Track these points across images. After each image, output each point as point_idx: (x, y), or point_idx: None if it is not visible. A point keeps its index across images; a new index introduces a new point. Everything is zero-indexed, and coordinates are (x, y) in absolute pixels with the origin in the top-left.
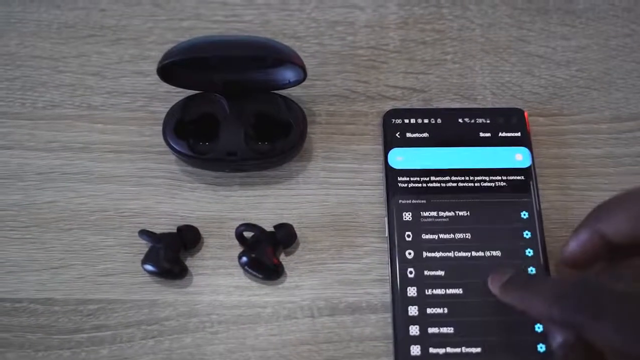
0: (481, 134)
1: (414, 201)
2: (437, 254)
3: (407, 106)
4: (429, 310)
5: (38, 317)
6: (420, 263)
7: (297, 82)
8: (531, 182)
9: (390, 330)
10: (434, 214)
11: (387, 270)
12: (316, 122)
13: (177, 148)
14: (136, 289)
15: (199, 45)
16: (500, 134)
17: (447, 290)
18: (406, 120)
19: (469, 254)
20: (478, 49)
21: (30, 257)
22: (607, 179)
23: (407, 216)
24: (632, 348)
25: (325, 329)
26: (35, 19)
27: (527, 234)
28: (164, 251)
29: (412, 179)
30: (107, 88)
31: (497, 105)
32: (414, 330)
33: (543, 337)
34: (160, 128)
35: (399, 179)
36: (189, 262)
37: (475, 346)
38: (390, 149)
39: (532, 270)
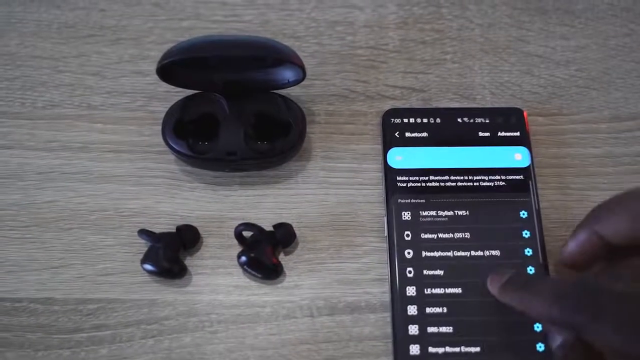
0: (480, 134)
1: (413, 200)
2: (436, 254)
3: (407, 106)
4: (428, 310)
5: (38, 317)
6: (419, 262)
7: (297, 82)
8: (530, 182)
9: (389, 330)
10: (433, 213)
11: (387, 270)
12: (315, 122)
13: (176, 148)
14: (136, 288)
15: (198, 45)
16: (499, 134)
17: (446, 289)
18: (405, 120)
19: (468, 253)
20: (477, 48)
21: (30, 256)
22: (606, 179)
23: (407, 215)
24: (631, 348)
25: (325, 329)
26: (36, 19)
27: (526, 234)
28: (164, 251)
29: (411, 178)
30: (107, 88)
31: (497, 105)
32: (413, 329)
33: (542, 337)
34: (160, 128)
35: (398, 178)
36: (189, 262)
37: (475, 345)
38: (390, 149)
39: (531, 269)
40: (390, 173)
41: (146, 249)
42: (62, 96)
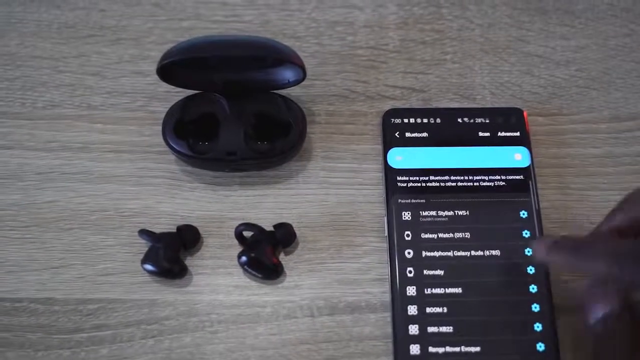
0: (480, 134)
1: (413, 200)
2: (437, 254)
3: (407, 106)
4: (428, 310)
5: (38, 317)
6: (419, 262)
7: (297, 82)
8: (530, 182)
9: (389, 330)
10: (433, 213)
11: (387, 270)
12: (316, 122)
13: (176, 148)
14: (136, 288)
15: (198, 45)
16: (499, 134)
17: (446, 289)
18: (405, 120)
19: (468, 253)
20: (477, 48)
21: (30, 256)
22: (606, 179)
23: (407, 215)
24: None
25: (325, 329)
26: (36, 19)
27: (526, 233)
28: (164, 251)
29: (411, 178)
30: (107, 88)
31: (497, 105)
32: (414, 329)
33: (542, 336)
34: (160, 128)
35: (399, 178)
36: (189, 262)
37: (475, 345)
38: (390, 149)
39: (531, 269)
40: (390, 173)
41: (146, 249)
42: (62, 96)
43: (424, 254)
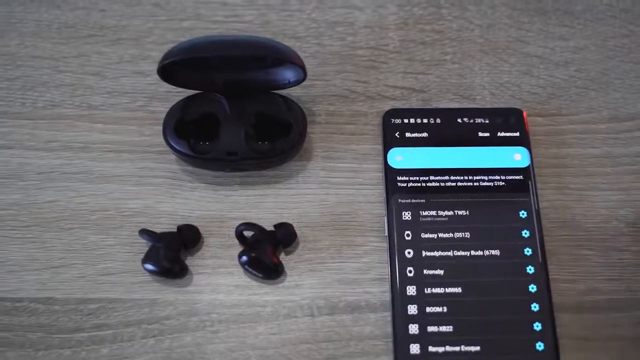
0: (480, 134)
1: (413, 200)
2: (437, 253)
3: (407, 106)
4: (428, 309)
5: (38, 317)
6: (419, 262)
7: (297, 82)
8: (530, 182)
9: (389, 329)
10: (433, 213)
11: (387, 270)
12: (316, 122)
13: (177, 148)
14: (136, 288)
15: (199, 45)
16: (499, 134)
17: (446, 289)
18: (405, 120)
19: (468, 253)
20: (477, 49)
21: (30, 256)
22: (605, 179)
23: (407, 215)
24: None
25: (325, 328)
26: (36, 19)
27: (525, 233)
28: (164, 250)
29: (411, 178)
30: (107, 88)
31: (496, 105)
32: (414, 329)
33: (541, 336)
34: (161, 128)
35: (399, 178)
36: (189, 262)
37: (474, 345)
38: (390, 149)
39: (530, 269)
40: (390, 173)
41: (147, 248)
42: (62, 96)
43: (424, 253)
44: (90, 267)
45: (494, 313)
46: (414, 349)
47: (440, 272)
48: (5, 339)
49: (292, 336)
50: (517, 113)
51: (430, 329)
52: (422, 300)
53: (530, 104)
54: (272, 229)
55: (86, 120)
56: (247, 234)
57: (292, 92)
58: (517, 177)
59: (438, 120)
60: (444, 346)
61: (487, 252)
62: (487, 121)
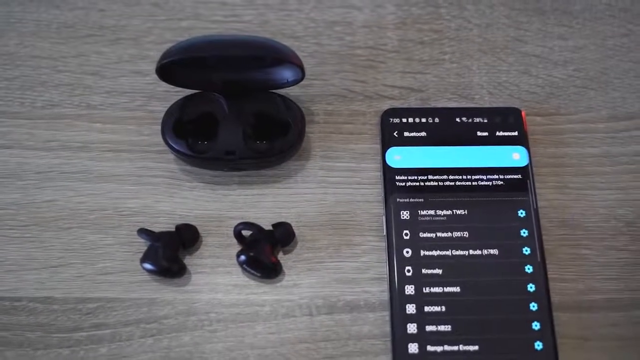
0: (479, 133)
1: (411, 200)
2: (435, 253)
3: (405, 105)
4: (426, 309)
5: (37, 316)
6: (418, 261)
7: (296, 82)
8: (528, 181)
9: (388, 329)
10: (431, 212)
11: (385, 269)
12: (314, 122)
13: (175, 147)
14: (135, 287)
15: (197, 45)
16: (497, 133)
17: (444, 288)
18: (404, 120)
19: (467, 252)
20: (475, 48)
21: (29, 255)
22: (603, 178)
23: (405, 215)
24: None
25: (324, 327)
26: (35, 18)
27: (524, 232)
28: (163, 250)
29: (409, 177)
30: (106, 87)
31: (495, 105)
32: (412, 328)
33: (540, 335)
34: (159, 127)
35: (397, 177)
36: (188, 261)
37: (473, 344)
38: (388, 148)
39: (529, 268)
40: (388, 172)
41: (145, 248)
42: (61, 96)
43: (422, 253)
44: (88, 266)
45: (492, 312)
46: (413, 348)
47: (438, 271)
48: (4, 339)
49: (291, 335)
50: (515, 112)
51: (429, 328)
52: (420, 299)
53: (529, 103)
54: (271, 228)
55: (85, 119)
56: (246, 233)
57: (291, 92)
58: (515, 177)
59: (436, 120)
60: (443, 345)
61: (485, 252)
62: (485, 120)
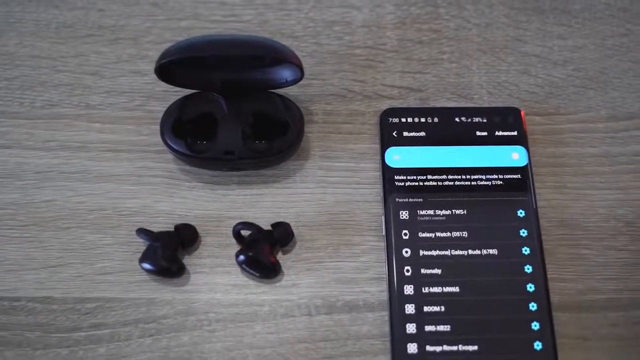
0: (478, 133)
1: (410, 200)
2: (434, 252)
3: (404, 105)
4: (425, 309)
5: (36, 316)
6: (417, 261)
7: (295, 82)
8: (528, 181)
9: (387, 329)
10: (430, 212)
11: (384, 269)
12: (313, 121)
13: (174, 147)
14: (134, 287)
15: (196, 45)
16: (496, 133)
17: (443, 288)
18: (403, 119)
19: (466, 252)
20: (475, 48)
21: (28, 255)
22: (603, 178)
23: (404, 214)
24: None
25: (323, 327)
26: (34, 18)
27: (523, 232)
28: (162, 250)
29: (409, 177)
30: (105, 87)
31: (494, 105)
32: (411, 328)
33: (539, 335)
34: (158, 127)
35: (396, 177)
36: (187, 261)
37: (472, 344)
38: (387, 148)
39: (528, 268)
40: (388, 172)
41: (144, 248)
42: (60, 96)
43: (421, 252)
44: (87, 266)
45: (491, 312)
46: (412, 348)
47: (437, 271)
48: (3, 338)
49: (290, 335)
50: (515, 112)
51: (428, 328)
52: (419, 299)
53: (528, 103)
54: (270, 228)
55: (84, 119)
56: (245, 233)
57: (290, 92)
58: (515, 176)
59: (436, 120)
60: (442, 345)
61: (484, 252)
62: (484, 120)
